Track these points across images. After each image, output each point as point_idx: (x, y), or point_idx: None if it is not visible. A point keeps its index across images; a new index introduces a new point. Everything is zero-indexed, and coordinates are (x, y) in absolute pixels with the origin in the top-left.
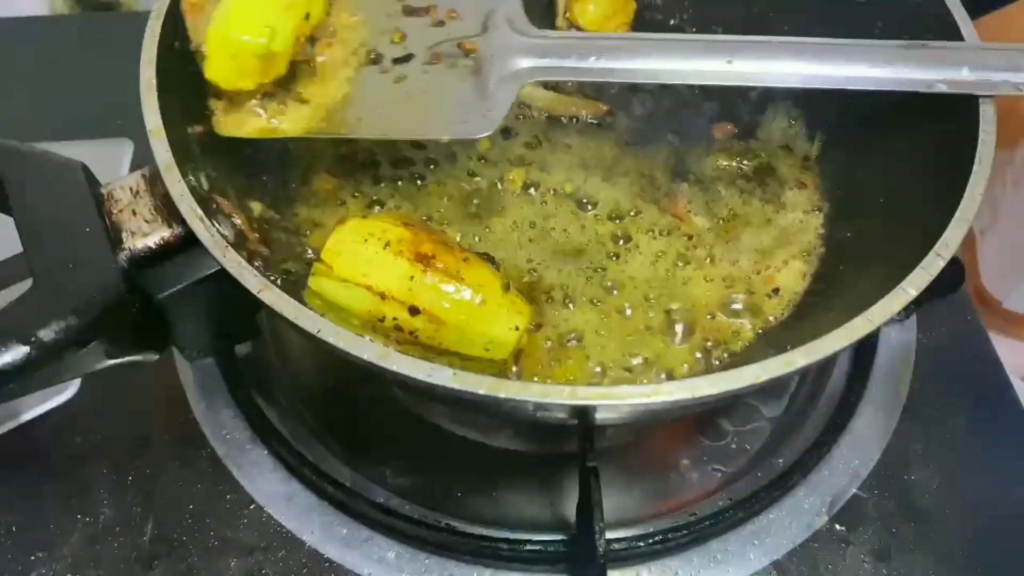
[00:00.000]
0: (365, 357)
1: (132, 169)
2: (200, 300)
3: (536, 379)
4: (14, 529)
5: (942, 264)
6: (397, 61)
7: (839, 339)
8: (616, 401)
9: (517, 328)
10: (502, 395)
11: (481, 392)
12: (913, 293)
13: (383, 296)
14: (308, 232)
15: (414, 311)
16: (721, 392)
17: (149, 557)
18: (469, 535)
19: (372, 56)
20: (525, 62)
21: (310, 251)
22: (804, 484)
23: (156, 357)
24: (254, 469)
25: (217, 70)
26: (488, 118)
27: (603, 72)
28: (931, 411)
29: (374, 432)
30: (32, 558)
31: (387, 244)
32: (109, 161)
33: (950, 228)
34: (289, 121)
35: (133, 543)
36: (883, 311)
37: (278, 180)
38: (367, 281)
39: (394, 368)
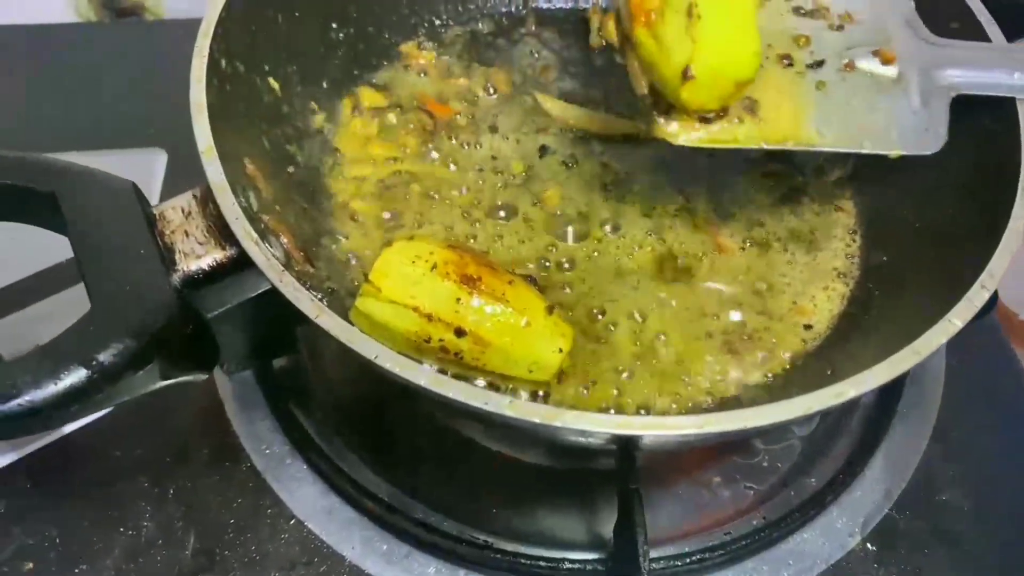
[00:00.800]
0: (422, 383)
1: (167, 180)
2: (246, 317)
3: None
4: (57, 541)
5: (987, 296)
6: (811, 66)
7: (886, 371)
8: (667, 432)
9: (561, 350)
10: (558, 424)
11: (537, 421)
12: (959, 325)
13: (430, 317)
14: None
15: (460, 332)
16: (771, 423)
17: (192, 571)
18: (507, 552)
19: (784, 60)
20: (953, 73)
21: (352, 268)
22: (837, 504)
23: (206, 376)
24: (294, 483)
25: (696, 95)
26: (935, 133)
27: None
28: (961, 432)
29: (409, 446)
30: (76, 570)
31: (434, 266)
32: (143, 171)
33: (995, 258)
34: (744, 133)
35: (175, 557)
36: (929, 343)
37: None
38: (414, 302)
39: (450, 395)
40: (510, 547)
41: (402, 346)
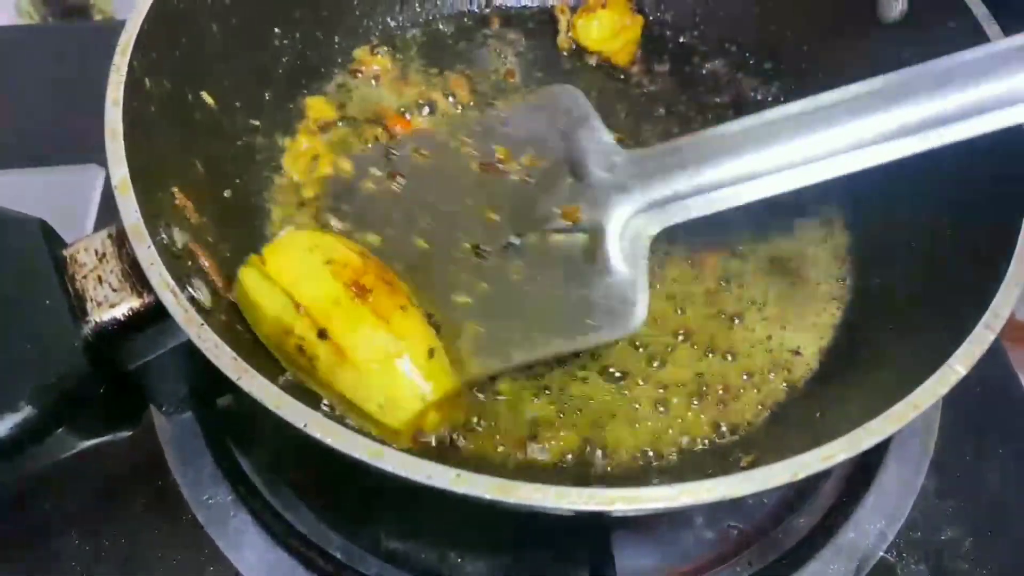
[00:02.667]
0: (356, 455)
1: (104, 200)
2: (176, 364)
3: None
4: None
5: (992, 337)
6: (502, 253)
7: (880, 428)
8: (639, 506)
9: (424, 399)
10: (511, 500)
11: (487, 497)
12: (962, 372)
13: (298, 307)
14: None
15: (322, 335)
16: (753, 492)
17: None
18: None
19: (477, 251)
20: (635, 208)
21: None
22: (829, 548)
23: (130, 432)
24: (238, 537)
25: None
26: (633, 308)
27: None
28: (960, 464)
29: (365, 493)
30: None
31: (330, 261)
32: (78, 191)
33: (1000, 295)
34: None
35: None
36: (929, 395)
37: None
38: (291, 288)
39: (389, 469)
40: None
41: (266, 331)
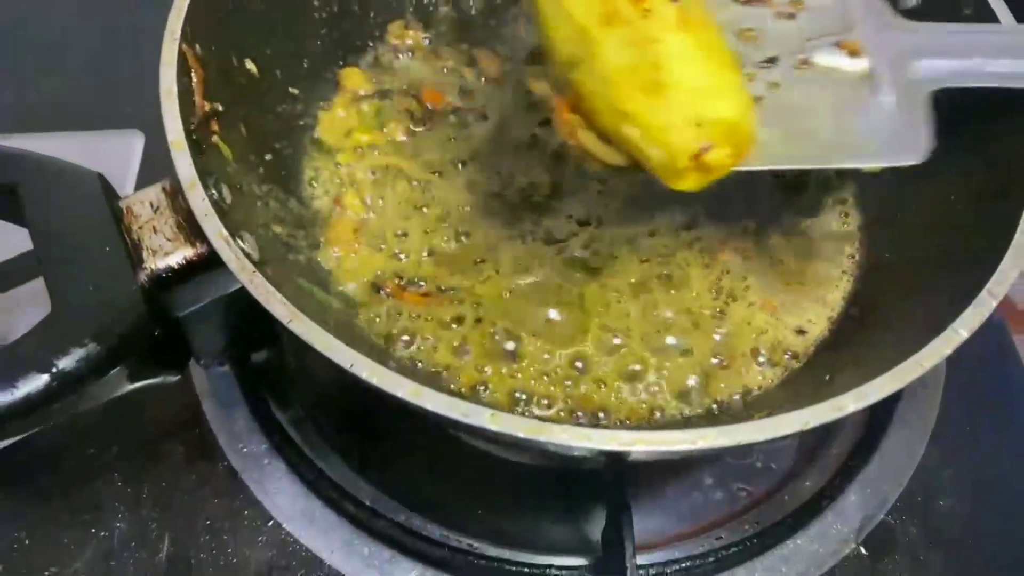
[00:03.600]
0: (399, 395)
1: (144, 165)
2: (219, 314)
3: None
4: (27, 542)
5: (995, 303)
6: (761, 65)
7: (889, 383)
8: (658, 448)
9: (741, 105)
10: (542, 439)
11: (521, 435)
12: (965, 335)
13: None
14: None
15: None
16: (767, 439)
17: (166, 574)
18: (492, 558)
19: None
20: (934, 64)
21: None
22: (832, 509)
23: (177, 377)
24: (272, 485)
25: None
26: (917, 139)
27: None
28: (960, 435)
29: (393, 446)
30: (46, 573)
31: None
32: (117, 156)
33: (1004, 263)
34: None
35: (149, 560)
36: (934, 354)
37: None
38: None
39: (429, 407)
40: (495, 552)
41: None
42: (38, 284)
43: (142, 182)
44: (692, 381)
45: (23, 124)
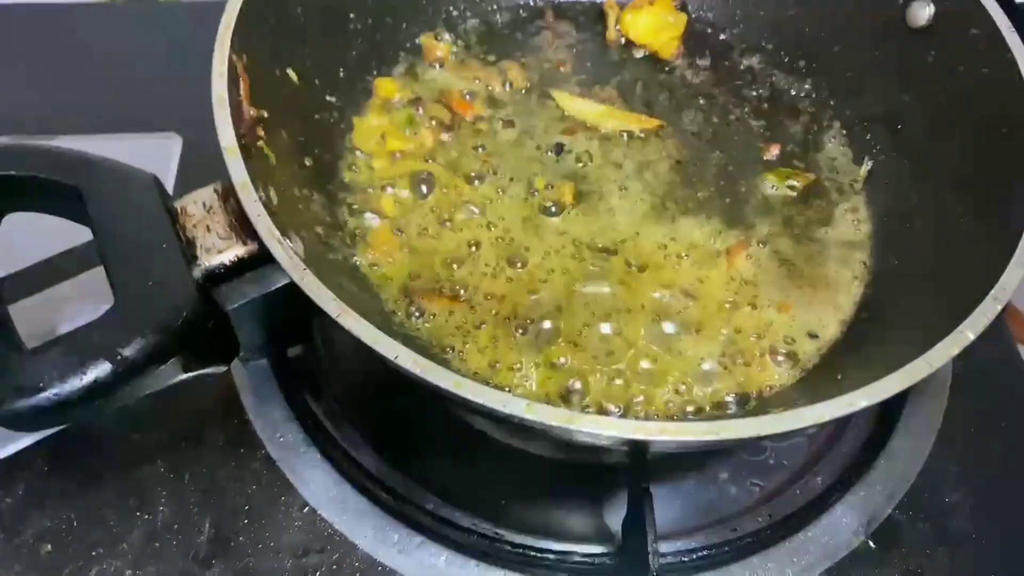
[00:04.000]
0: (442, 385)
1: (181, 166)
2: (264, 310)
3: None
4: (75, 523)
5: (1000, 308)
6: None
7: (899, 381)
8: (682, 438)
9: None
10: (574, 427)
11: (554, 424)
12: (971, 337)
13: None
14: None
15: None
16: (785, 431)
17: (207, 556)
18: (517, 544)
19: None
20: None
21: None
22: (842, 503)
23: (225, 368)
24: (307, 472)
25: None
26: None
27: None
28: (966, 434)
29: (422, 438)
30: (93, 553)
31: None
32: (157, 157)
33: (1008, 270)
34: None
35: (191, 541)
36: (941, 355)
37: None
38: None
39: (469, 397)
40: (519, 539)
41: None
42: (93, 274)
43: (180, 182)
44: (707, 380)
45: (71, 127)
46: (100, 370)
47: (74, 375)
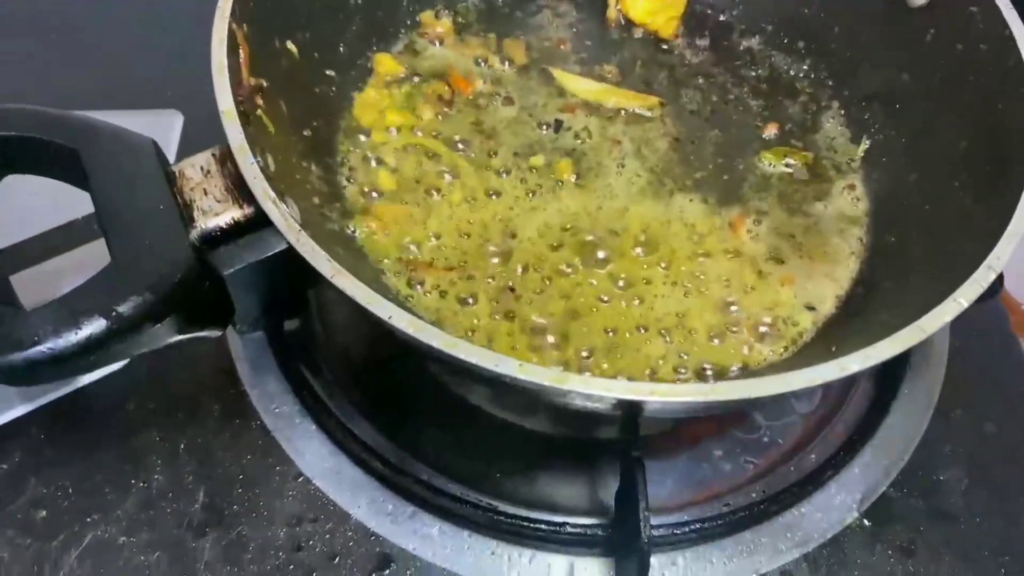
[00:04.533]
0: (434, 345)
1: (182, 142)
2: (261, 276)
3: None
4: (70, 490)
5: (993, 276)
6: None
7: (891, 347)
8: (673, 399)
9: None
10: (566, 387)
11: (545, 384)
12: (964, 304)
13: None
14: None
15: None
16: (774, 394)
17: (201, 524)
18: (510, 515)
19: None
20: None
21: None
22: (836, 480)
23: (220, 333)
24: (302, 442)
25: None
26: None
27: None
28: (961, 413)
29: (416, 410)
30: (88, 519)
31: None
32: (159, 133)
33: (1002, 241)
34: None
35: (185, 510)
36: (935, 321)
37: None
38: None
39: (463, 357)
40: (512, 510)
41: None
42: (96, 246)
43: (182, 157)
44: (706, 353)
45: (74, 103)
46: (95, 326)
47: (68, 330)
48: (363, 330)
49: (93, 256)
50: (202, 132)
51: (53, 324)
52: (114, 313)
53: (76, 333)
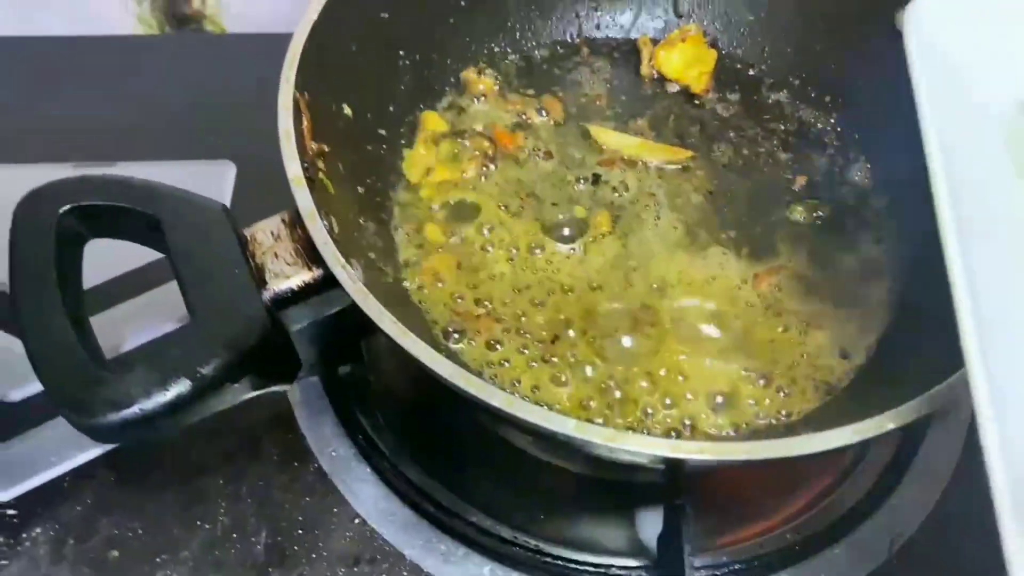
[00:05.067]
0: (494, 404)
1: (236, 192)
2: (323, 330)
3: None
4: (140, 531)
5: None
6: None
7: (925, 404)
8: (719, 457)
9: None
10: (616, 445)
11: (598, 441)
12: None
13: None
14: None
15: None
16: (815, 451)
17: (263, 563)
18: (556, 557)
19: None
20: None
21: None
22: (869, 521)
23: (290, 386)
24: (358, 485)
25: None
26: None
27: None
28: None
29: (463, 453)
30: (158, 560)
31: None
32: (213, 183)
33: None
34: None
35: (249, 550)
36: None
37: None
38: None
39: (520, 415)
40: (558, 551)
41: None
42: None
43: (235, 208)
44: (739, 402)
45: (126, 153)
46: (181, 387)
47: (158, 391)
48: (413, 377)
49: (155, 304)
50: (256, 183)
51: (143, 386)
52: (198, 374)
53: (164, 395)
